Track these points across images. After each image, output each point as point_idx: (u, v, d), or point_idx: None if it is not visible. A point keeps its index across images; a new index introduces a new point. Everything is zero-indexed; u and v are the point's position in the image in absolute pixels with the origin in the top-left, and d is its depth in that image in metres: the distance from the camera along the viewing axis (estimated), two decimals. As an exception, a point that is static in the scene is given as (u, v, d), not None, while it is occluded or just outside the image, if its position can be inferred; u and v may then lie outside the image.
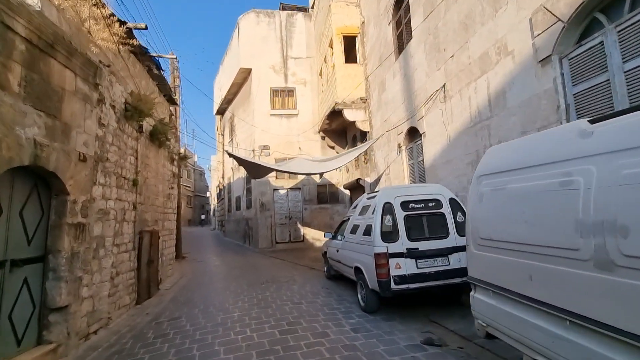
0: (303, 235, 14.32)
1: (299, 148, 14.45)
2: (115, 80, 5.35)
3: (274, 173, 14.06)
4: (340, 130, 13.88)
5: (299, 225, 14.39)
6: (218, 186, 25.88)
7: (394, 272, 4.51)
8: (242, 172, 16.49)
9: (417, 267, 4.59)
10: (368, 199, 5.75)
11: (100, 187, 4.82)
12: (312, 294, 6.37)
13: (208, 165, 42.44)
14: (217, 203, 26.72)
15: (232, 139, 18.28)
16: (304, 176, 14.65)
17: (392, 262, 4.54)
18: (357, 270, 5.35)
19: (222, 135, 21.10)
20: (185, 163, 11.81)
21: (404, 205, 4.82)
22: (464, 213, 4.89)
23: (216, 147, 24.00)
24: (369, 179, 11.03)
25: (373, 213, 4.91)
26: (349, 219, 6.59)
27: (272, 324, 4.73)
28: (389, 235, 4.64)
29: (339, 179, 14.85)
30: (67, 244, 4.05)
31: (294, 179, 14.63)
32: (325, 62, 12.97)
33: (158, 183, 7.76)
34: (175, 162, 9.28)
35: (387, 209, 4.75)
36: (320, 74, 14.17)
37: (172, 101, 9.51)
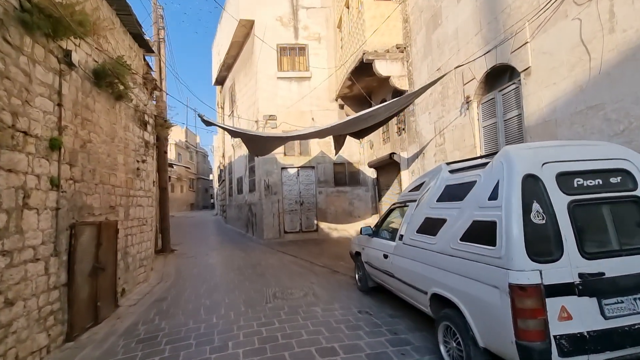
0: (317, 225, 11.94)
1: (312, 119, 11.87)
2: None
3: (281, 148, 11.57)
4: (363, 96, 11.22)
5: (312, 212, 11.98)
6: (219, 167, 23.51)
7: (557, 328, 2.04)
8: (243, 149, 14.01)
9: (605, 317, 2.10)
10: (455, 171, 3.23)
11: (-60, 141, 2.37)
12: (347, 326, 3.96)
13: (210, 146, 40.12)
14: (219, 186, 24.44)
15: (232, 111, 15.72)
16: (317, 153, 12.13)
17: (553, 304, 2.06)
18: (442, 301, 2.90)
19: (222, 108, 18.53)
20: (169, 132, 9.33)
21: (565, 179, 2.29)
22: (680, 199, 2.36)
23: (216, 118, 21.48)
24: (405, 154, 8.49)
25: (495, 198, 2.38)
26: (405, 205, 4.12)
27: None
28: (542, 246, 2.14)
29: (360, 156, 12.30)
30: None
31: (306, 156, 12.12)
32: (348, 8, 10.22)
33: (115, 153, 5.31)
34: (149, 127, 6.81)
35: (532, 188, 2.23)
36: (340, 26, 11.41)
37: (143, 44, 6.95)
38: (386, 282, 4.34)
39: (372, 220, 11.37)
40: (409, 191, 4.19)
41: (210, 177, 45.96)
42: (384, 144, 10.32)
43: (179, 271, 7.55)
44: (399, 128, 9.15)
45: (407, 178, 8.39)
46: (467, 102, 5.57)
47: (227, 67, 16.12)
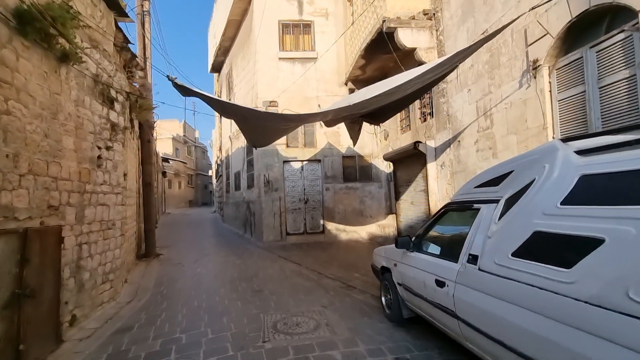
0: (323, 225, 10.57)
1: (318, 105, 10.45)
2: None
3: (283, 139, 10.19)
4: (378, 78, 9.79)
5: (318, 211, 10.60)
6: (216, 162, 22.14)
7: None
8: (241, 141, 12.64)
9: None
10: (594, 151, 1.84)
11: None
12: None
13: (209, 140, 38.75)
14: (216, 182, 23.10)
15: (229, 99, 14.32)
16: (324, 145, 10.74)
17: None
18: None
19: (219, 97, 17.11)
20: (152, 117, 7.96)
21: None
22: None
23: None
24: (433, 143, 7.08)
25: None
26: (470, 207, 2.75)
27: None
28: None
29: (373, 148, 10.90)
30: None
31: (311, 148, 10.72)
32: (360, -26, 8.77)
33: (60, 133, 3.93)
34: (117, 106, 5.41)
35: None
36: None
37: (112, 3, 5.55)
38: (438, 321, 2.96)
39: (388, 222, 9.99)
40: (478, 186, 2.79)
41: (210, 173, 44.64)
42: (403, 133, 8.91)
43: (159, 284, 6.20)
44: (423, 113, 7.74)
45: (434, 172, 6.99)
46: (534, 69, 4.15)
47: (224, 50, 14.70)
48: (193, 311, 4.64)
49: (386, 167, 10.35)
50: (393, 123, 9.40)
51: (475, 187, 2.83)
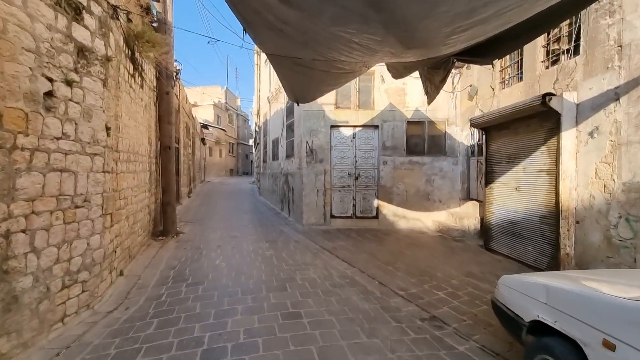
0: (377, 208, 8.43)
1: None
2: None
3: (332, 98, 7.99)
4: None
5: (372, 191, 8.45)
6: (255, 129, 20.51)
7: None
8: (280, 101, 10.63)
9: None
10: None
11: None
12: None
13: (250, 108, 37.42)
14: (255, 150, 21.65)
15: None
16: (384, 106, 8.36)
17: None
18: None
19: (258, 54, 15.07)
20: (168, 60, 6.14)
21: None
22: None
23: (254, 72, 18.21)
24: (573, 97, 4.45)
25: None
26: None
27: None
28: None
29: (449, 113, 8.33)
30: None
31: (366, 109, 8.41)
32: None
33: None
34: (90, 20, 3.54)
35: None
36: None
37: None
38: None
39: (465, 210, 7.58)
40: None
41: (251, 142, 43.87)
42: (504, 88, 6.27)
43: (162, 282, 4.56)
44: (553, 51, 5.05)
45: (573, 143, 4.44)
46: None
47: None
48: (184, 352, 2.84)
49: (466, 138, 7.81)
50: (485, 75, 6.76)
51: None
